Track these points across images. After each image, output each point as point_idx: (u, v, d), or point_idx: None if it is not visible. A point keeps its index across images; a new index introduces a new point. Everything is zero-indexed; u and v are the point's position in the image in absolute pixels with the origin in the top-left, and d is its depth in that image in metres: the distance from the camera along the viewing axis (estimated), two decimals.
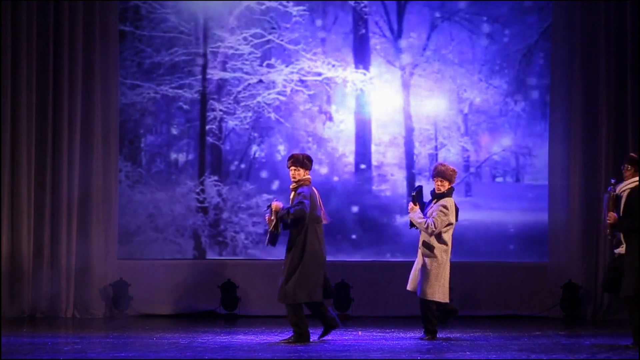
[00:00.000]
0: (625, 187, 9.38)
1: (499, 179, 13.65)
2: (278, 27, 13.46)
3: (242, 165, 13.47)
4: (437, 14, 13.51)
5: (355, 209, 13.40)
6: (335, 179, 13.43)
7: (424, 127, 13.50)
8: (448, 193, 10.11)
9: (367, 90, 13.46)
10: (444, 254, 10.02)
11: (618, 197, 9.39)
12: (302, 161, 9.92)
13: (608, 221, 9.36)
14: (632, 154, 9.67)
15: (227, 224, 13.33)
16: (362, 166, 13.44)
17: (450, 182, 10.12)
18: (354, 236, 13.37)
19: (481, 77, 13.52)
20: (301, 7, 13.47)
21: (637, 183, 9.32)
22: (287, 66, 13.44)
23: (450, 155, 13.40)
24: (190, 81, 13.42)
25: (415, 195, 10.22)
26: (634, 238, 9.24)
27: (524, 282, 13.13)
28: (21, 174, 12.66)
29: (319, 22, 13.53)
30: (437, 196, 10.15)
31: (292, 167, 9.91)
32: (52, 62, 12.78)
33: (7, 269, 12.57)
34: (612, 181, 9.55)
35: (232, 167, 13.46)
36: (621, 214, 9.32)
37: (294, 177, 9.91)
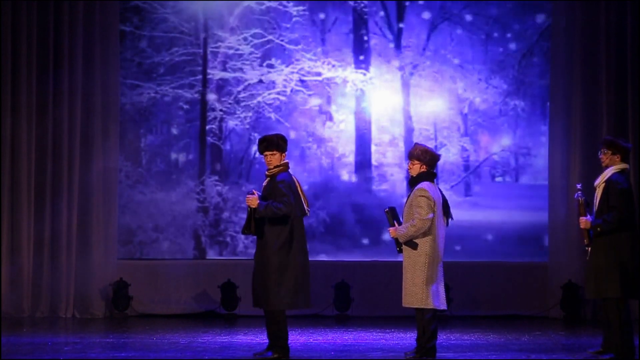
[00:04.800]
0: (602, 181, 8.91)
1: (498, 179, 13.66)
2: (278, 27, 13.47)
3: (242, 165, 13.48)
4: (437, 14, 13.51)
5: (355, 208, 13.40)
6: (335, 179, 13.43)
7: (424, 127, 13.50)
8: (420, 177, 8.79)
9: (367, 90, 13.47)
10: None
11: (588, 203, 8.96)
12: (277, 143, 8.66)
13: (581, 227, 8.84)
14: (606, 137, 9.26)
15: (227, 224, 13.33)
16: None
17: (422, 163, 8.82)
18: (354, 236, 13.37)
19: (481, 77, 13.52)
20: (301, 7, 13.47)
21: (612, 173, 8.87)
22: (287, 66, 13.45)
23: (450, 155, 13.40)
24: (190, 81, 13.42)
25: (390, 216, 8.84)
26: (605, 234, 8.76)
27: (524, 282, 13.13)
28: (21, 174, 12.66)
29: (319, 23, 13.54)
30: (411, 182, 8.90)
31: (267, 152, 8.65)
32: (52, 62, 12.77)
33: (7, 269, 12.57)
34: (579, 186, 9.11)
35: (232, 167, 13.46)
36: (596, 210, 8.84)
37: (270, 163, 8.66)
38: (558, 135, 13.10)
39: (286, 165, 8.77)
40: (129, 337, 10.62)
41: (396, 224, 8.70)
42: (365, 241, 13.35)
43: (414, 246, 8.60)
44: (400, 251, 8.74)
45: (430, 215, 8.56)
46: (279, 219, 8.59)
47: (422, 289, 8.55)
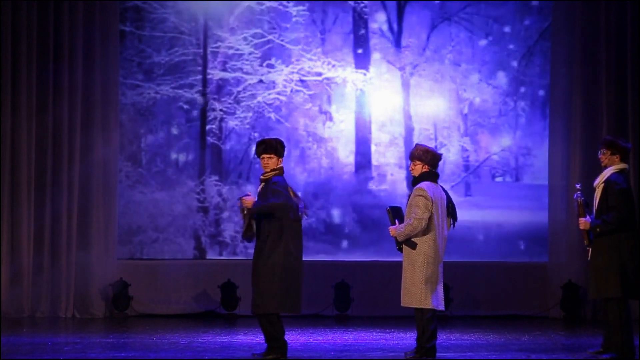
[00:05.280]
0: (600, 182, 8.87)
1: (498, 179, 13.66)
2: (278, 27, 13.47)
3: (242, 165, 13.47)
4: (437, 14, 13.51)
5: (355, 208, 13.40)
6: (335, 179, 13.43)
7: (424, 127, 13.51)
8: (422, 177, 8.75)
9: (367, 90, 13.47)
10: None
11: (587, 203, 8.92)
12: (275, 147, 8.71)
13: (581, 227, 8.83)
14: (606, 137, 9.26)
15: (227, 223, 13.33)
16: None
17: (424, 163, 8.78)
18: (354, 236, 13.37)
19: (481, 77, 13.53)
20: (301, 7, 13.47)
21: (611, 173, 8.83)
22: (287, 66, 13.45)
23: (450, 155, 13.40)
24: (190, 81, 13.42)
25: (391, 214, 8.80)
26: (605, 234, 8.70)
27: (524, 282, 13.13)
28: (21, 173, 12.66)
29: (319, 22, 13.53)
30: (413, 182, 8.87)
31: (265, 155, 8.70)
32: (52, 62, 12.78)
33: (7, 269, 12.57)
34: (578, 186, 9.03)
35: (232, 167, 13.46)
36: (596, 210, 8.80)
37: (267, 166, 8.70)
38: (558, 135, 13.11)
39: (281, 170, 8.76)
40: (129, 337, 10.62)
41: (397, 223, 8.70)
42: (365, 241, 13.35)
43: (412, 246, 8.60)
44: (400, 250, 8.75)
45: (427, 215, 8.55)
46: (269, 222, 8.60)
47: (420, 289, 8.55)
